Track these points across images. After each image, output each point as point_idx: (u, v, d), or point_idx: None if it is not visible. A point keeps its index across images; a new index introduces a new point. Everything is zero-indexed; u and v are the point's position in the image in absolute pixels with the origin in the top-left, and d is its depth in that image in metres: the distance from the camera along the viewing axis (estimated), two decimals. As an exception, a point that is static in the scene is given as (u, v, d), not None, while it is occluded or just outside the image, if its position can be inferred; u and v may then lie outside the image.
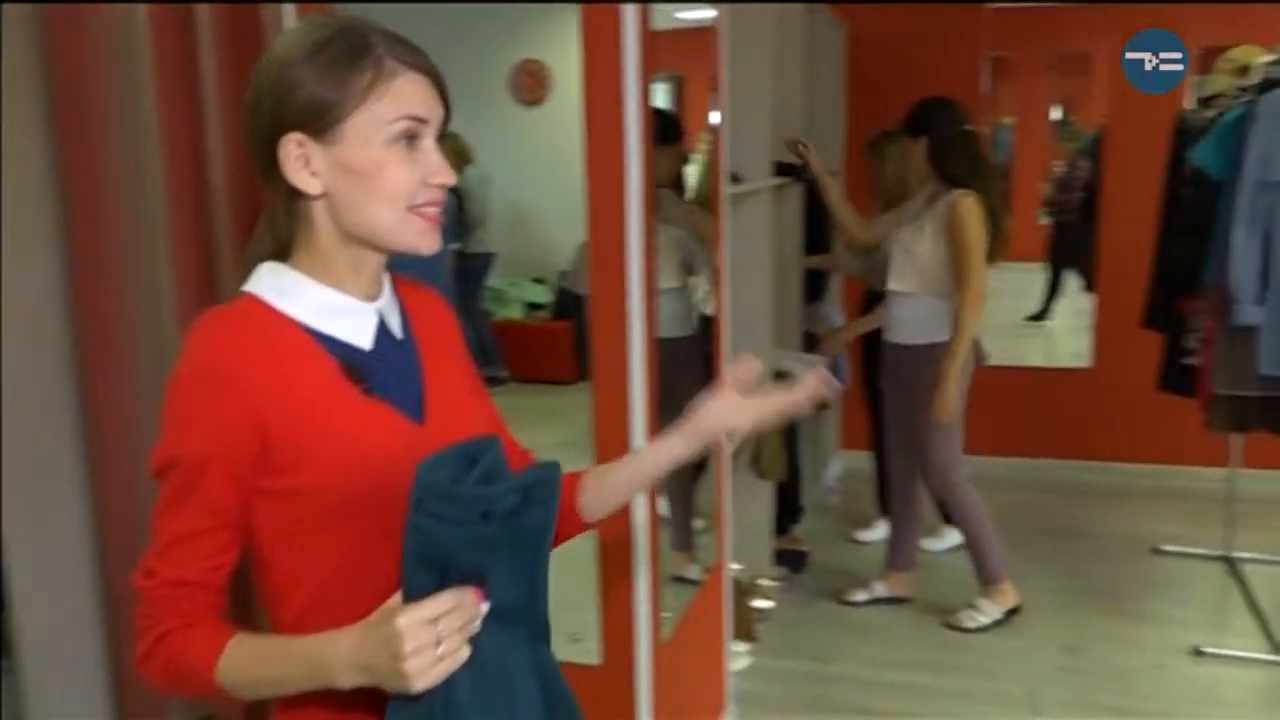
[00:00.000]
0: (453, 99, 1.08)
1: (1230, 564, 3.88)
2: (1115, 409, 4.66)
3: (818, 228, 4.08)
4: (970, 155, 3.33)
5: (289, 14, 2.13)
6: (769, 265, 3.43)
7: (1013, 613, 3.47)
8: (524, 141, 7.14)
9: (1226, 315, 3.16)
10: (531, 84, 7.14)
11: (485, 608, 0.93)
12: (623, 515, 2.14)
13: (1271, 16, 4.93)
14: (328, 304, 1.07)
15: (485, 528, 0.92)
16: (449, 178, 1.05)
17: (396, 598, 0.93)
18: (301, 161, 1.03)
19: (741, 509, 3.26)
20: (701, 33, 2.87)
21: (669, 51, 2.42)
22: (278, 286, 1.06)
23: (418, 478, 0.93)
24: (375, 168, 1.02)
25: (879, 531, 4.11)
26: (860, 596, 3.64)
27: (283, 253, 1.09)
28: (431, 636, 0.88)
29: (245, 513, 1.03)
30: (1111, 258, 4.62)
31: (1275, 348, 3.12)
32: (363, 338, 1.08)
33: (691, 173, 4.21)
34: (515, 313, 7.08)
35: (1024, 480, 4.74)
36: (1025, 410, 4.84)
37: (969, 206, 3.22)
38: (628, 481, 1.22)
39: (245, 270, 1.09)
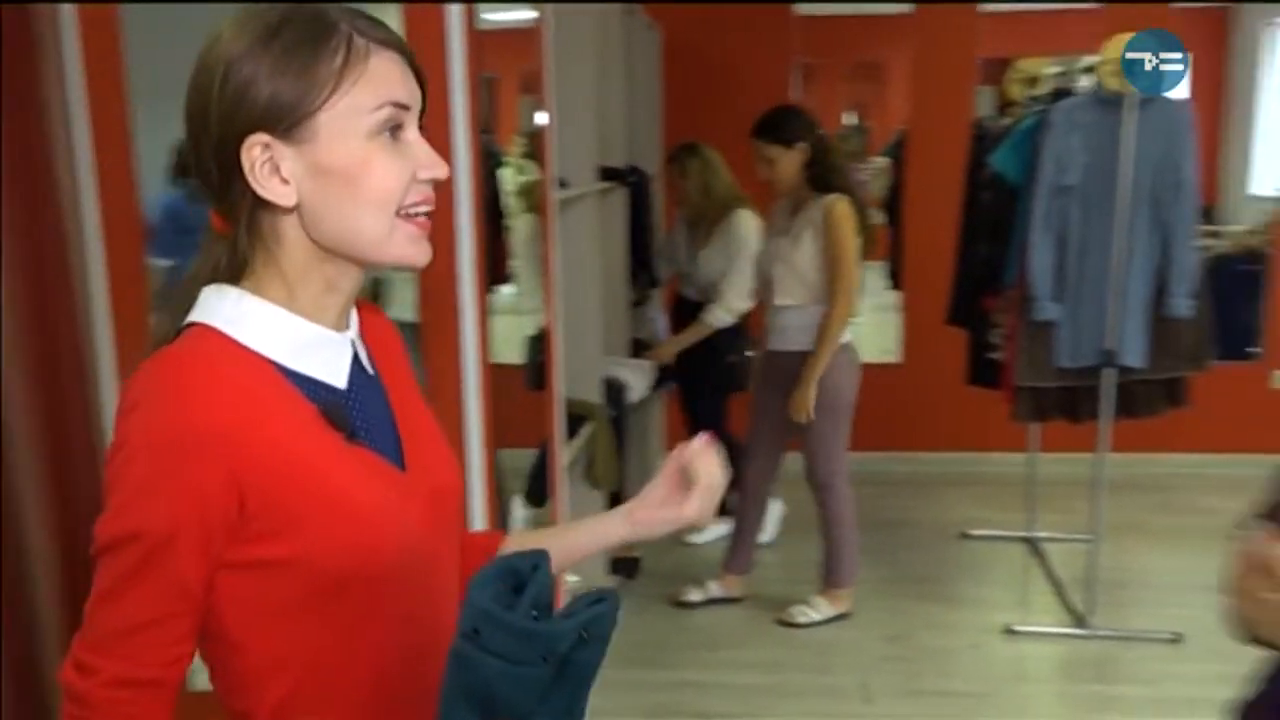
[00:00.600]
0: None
1: (1032, 544, 4.13)
2: (923, 401, 4.88)
3: (641, 233, 4.07)
4: (838, 161, 3.40)
5: (68, 15, 1.92)
6: (598, 271, 3.39)
7: (841, 617, 3.56)
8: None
9: (1027, 312, 3.36)
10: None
11: None
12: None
13: (1054, 30, 5.29)
14: (301, 337, 0.91)
15: (542, 669, 0.80)
16: (443, 170, 0.91)
17: None
18: (269, 168, 0.86)
19: (577, 519, 3.21)
20: (515, 33, 2.80)
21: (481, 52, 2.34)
22: (237, 316, 0.89)
23: (473, 600, 0.80)
24: (359, 166, 0.87)
25: (709, 533, 4.15)
26: (695, 596, 3.65)
27: (225, 277, 0.91)
28: None
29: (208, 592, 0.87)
30: (916, 257, 4.84)
31: (1071, 342, 3.34)
32: (338, 375, 0.94)
33: (506, 176, 4.13)
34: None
35: (841, 473, 4.90)
36: (841, 405, 5.00)
37: (845, 211, 3.26)
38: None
39: (179, 299, 0.92)
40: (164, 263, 2.11)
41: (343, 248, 0.90)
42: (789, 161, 3.32)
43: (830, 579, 3.54)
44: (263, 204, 0.88)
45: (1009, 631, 3.45)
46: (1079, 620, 3.47)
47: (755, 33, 4.78)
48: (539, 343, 2.94)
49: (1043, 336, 3.36)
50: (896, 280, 5.30)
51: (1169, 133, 3.22)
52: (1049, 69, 3.80)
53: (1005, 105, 3.84)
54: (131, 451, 0.84)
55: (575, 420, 3.20)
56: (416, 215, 0.90)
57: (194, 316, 0.90)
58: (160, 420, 0.83)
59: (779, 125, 3.33)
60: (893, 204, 5.37)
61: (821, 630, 3.49)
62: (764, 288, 3.49)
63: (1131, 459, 4.49)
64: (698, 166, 3.84)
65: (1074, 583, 3.69)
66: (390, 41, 0.89)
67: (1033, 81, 3.79)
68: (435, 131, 2.01)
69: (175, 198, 2.57)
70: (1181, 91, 3.30)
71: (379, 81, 0.87)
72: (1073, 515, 4.25)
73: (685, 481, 1.08)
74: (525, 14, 2.76)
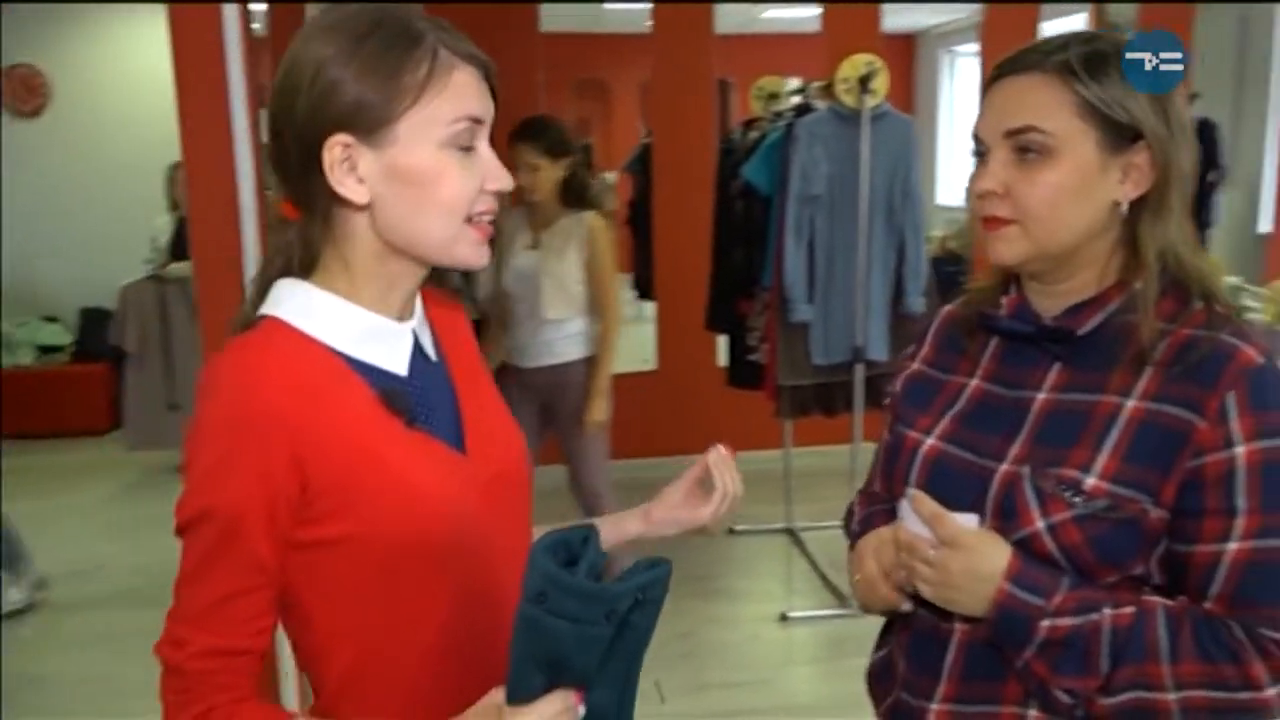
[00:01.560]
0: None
1: (792, 534, 4.37)
2: (681, 406, 5.05)
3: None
4: (589, 178, 3.40)
5: None
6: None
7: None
8: (19, 159, 6.18)
9: (783, 315, 3.56)
10: (25, 93, 6.20)
11: (581, 712, 0.88)
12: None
13: (778, 52, 5.66)
14: (363, 326, 0.97)
15: (605, 628, 0.85)
16: (509, 183, 0.97)
17: (498, 692, 0.89)
18: (347, 167, 0.92)
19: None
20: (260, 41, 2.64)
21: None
22: (304, 308, 0.96)
23: (538, 567, 0.84)
24: (434, 174, 0.93)
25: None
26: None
27: (292, 270, 0.98)
28: None
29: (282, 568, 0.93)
30: (667, 267, 4.99)
31: (824, 341, 3.58)
32: (399, 363, 0.99)
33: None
34: (25, 358, 6.08)
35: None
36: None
37: (603, 225, 3.27)
38: None
39: (259, 291, 0.98)
40: None
41: (409, 247, 0.96)
42: (552, 173, 3.25)
43: None
44: (338, 200, 0.93)
45: (783, 618, 3.63)
46: (842, 600, 3.71)
47: (501, 46, 4.76)
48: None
49: (798, 337, 3.58)
50: (644, 290, 5.46)
51: (898, 145, 3.53)
52: (786, 87, 4.05)
53: (750, 121, 4.04)
54: (201, 435, 0.90)
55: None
56: (481, 222, 0.96)
57: (265, 309, 0.96)
58: (227, 405, 0.90)
59: (547, 134, 3.26)
60: (637, 217, 5.51)
61: (610, 637, 3.52)
62: (518, 302, 3.37)
63: (865, 448, 4.85)
64: None
65: (832, 566, 3.94)
66: (473, 56, 0.94)
67: (772, 98, 4.02)
68: (212, 144, 1.88)
69: None
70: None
71: (458, 95, 0.92)
72: (826, 504, 4.54)
73: (703, 486, 1.20)
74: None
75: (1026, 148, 1.04)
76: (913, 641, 1.16)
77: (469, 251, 0.96)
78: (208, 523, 0.89)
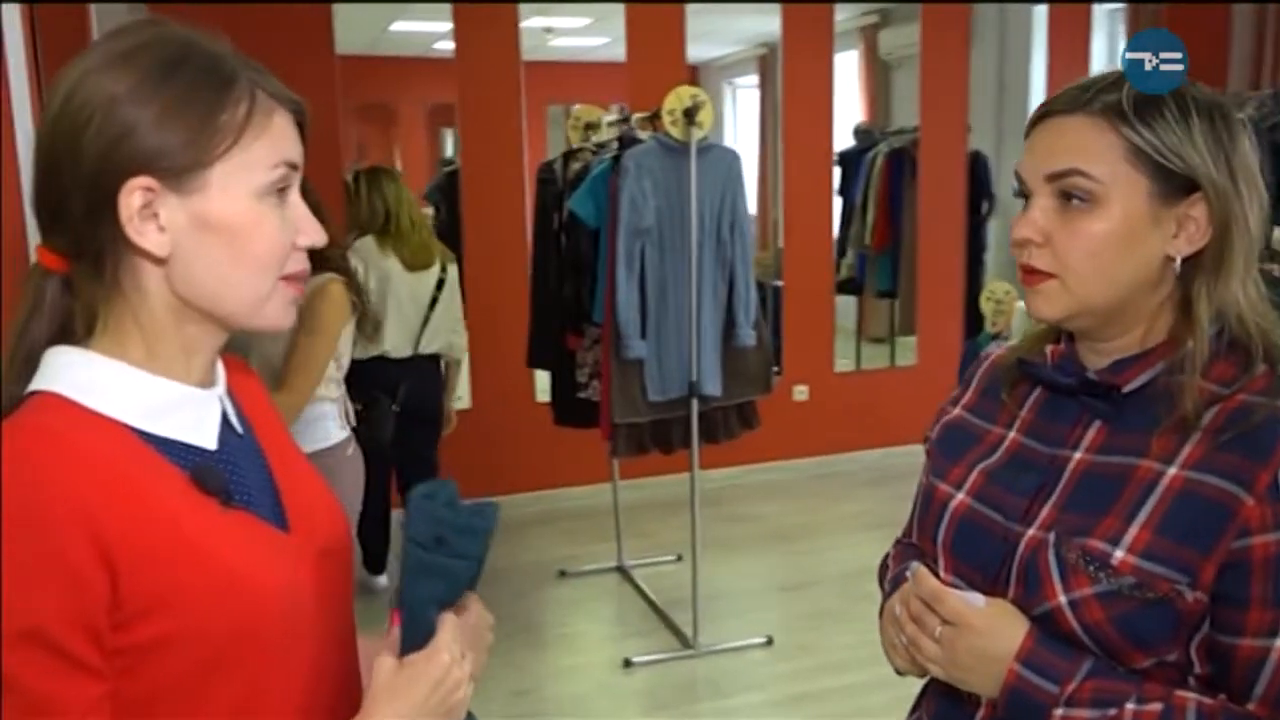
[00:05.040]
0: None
1: (624, 573, 4.26)
2: (498, 445, 4.84)
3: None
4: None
5: None
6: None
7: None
8: None
9: (617, 351, 3.45)
10: None
11: None
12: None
13: (598, 80, 5.58)
14: (163, 398, 0.85)
15: (481, 562, 0.91)
16: (320, 237, 0.88)
17: (384, 660, 0.87)
18: (148, 214, 0.82)
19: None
20: None
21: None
22: (88, 381, 0.83)
23: (433, 516, 0.88)
24: (249, 225, 0.84)
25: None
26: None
27: (68, 334, 0.85)
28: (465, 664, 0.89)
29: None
30: (479, 301, 4.78)
31: (658, 376, 3.49)
32: (207, 436, 0.88)
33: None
34: None
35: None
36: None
37: (336, 292, 2.63)
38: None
39: (19, 361, 0.85)
40: None
41: (211, 306, 0.86)
42: None
43: None
44: (132, 251, 0.83)
45: (627, 664, 3.51)
46: (685, 641, 3.62)
47: (296, 69, 4.43)
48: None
49: (633, 374, 3.47)
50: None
51: (725, 177, 3.50)
52: (605, 117, 3.96)
53: (574, 151, 3.90)
54: None
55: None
56: (295, 280, 0.89)
57: (37, 384, 0.83)
58: (12, 505, 0.75)
59: None
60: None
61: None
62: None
63: (682, 478, 4.78)
64: None
65: (670, 604, 3.86)
66: (288, 99, 0.87)
67: (590, 128, 3.92)
68: None
69: None
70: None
71: (278, 139, 0.85)
72: (651, 539, 4.48)
73: None
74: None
75: (1070, 193, 0.96)
76: (939, 710, 1.09)
77: (280, 313, 0.88)
78: (23, 649, 0.73)
